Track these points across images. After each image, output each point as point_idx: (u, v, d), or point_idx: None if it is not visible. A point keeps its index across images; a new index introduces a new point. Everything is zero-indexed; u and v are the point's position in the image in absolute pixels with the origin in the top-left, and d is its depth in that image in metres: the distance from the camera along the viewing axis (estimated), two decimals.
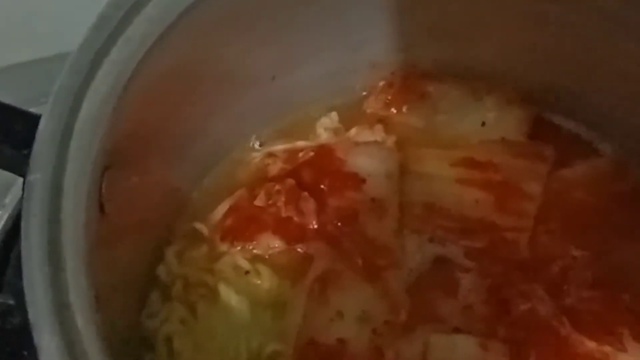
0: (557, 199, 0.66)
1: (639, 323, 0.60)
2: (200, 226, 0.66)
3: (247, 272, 0.63)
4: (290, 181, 0.65)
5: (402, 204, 0.66)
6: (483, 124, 0.69)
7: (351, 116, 0.72)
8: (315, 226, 0.64)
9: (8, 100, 0.50)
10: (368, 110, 0.72)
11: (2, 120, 0.48)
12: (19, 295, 0.42)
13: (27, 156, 0.46)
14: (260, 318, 0.62)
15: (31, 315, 0.41)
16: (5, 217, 0.74)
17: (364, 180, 0.66)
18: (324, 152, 0.67)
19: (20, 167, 0.47)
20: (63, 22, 0.68)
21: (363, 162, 0.67)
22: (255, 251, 0.64)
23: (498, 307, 0.61)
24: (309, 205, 0.64)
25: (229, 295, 0.62)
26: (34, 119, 0.47)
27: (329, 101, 0.72)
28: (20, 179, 0.72)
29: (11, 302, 0.65)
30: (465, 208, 0.65)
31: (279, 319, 0.62)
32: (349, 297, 0.62)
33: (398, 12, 0.66)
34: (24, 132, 0.47)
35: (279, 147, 0.69)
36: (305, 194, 0.65)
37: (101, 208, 0.49)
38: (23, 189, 0.45)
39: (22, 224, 0.43)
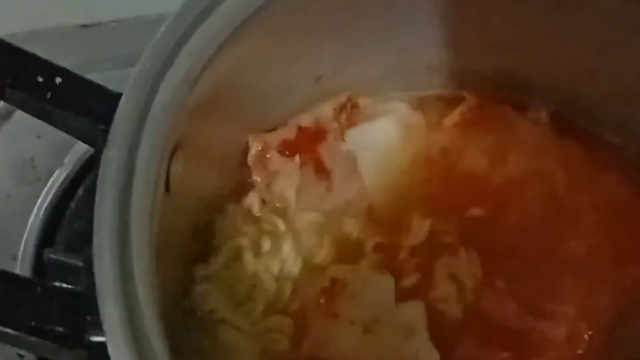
0: None
1: None
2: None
3: None
4: None
5: None
6: None
7: None
8: None
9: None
10: None
11: (84, 95, 0.52)
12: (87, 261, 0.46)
13: (104, 131, 0.49)
14: None
15: (98, 284, 0.43)
16: (62, 176, 0.78)
17: None
18: None
19: (95, 140, 0.51)
20: None
21: None
22: None
23: None
24: None
25: None
26: (114, 97, 0.51)
27: None
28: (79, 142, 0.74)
29: (63, 259, 0.69)
30: None
31: None
32: None
33: None
34: (102, 107, 0.50)
35: None
36: None
37: (167, 187, 0.53)
38: (99, 164, 0.48)
39: (97, 197, 0.46)
